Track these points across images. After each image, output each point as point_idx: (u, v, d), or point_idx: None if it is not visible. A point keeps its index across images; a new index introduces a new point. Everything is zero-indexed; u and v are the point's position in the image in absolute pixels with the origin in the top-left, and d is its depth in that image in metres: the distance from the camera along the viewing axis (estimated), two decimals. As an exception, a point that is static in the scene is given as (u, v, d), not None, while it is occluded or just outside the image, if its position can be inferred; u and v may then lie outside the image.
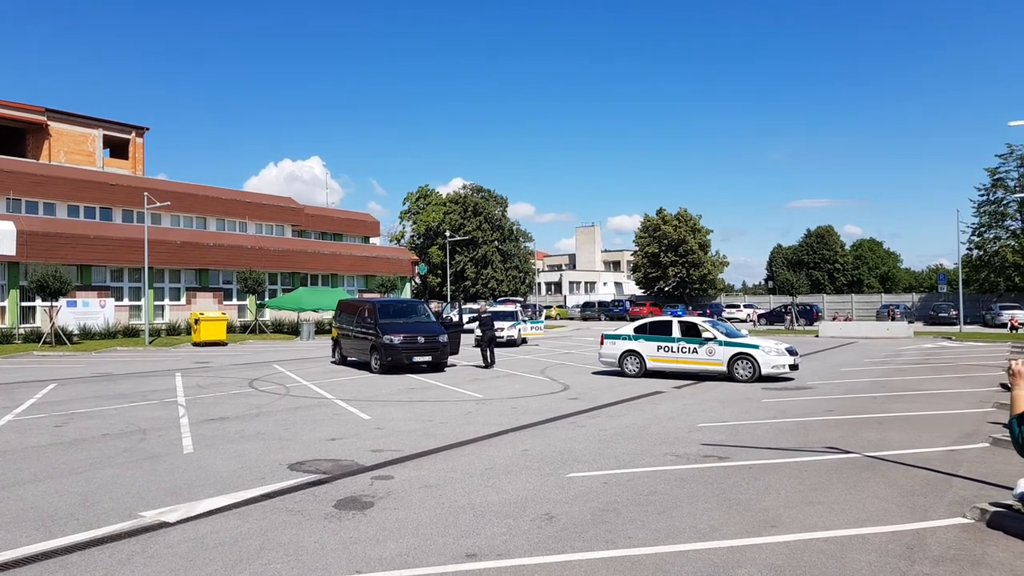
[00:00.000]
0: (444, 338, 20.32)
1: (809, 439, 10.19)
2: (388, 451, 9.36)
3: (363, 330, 20.68)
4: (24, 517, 6.51)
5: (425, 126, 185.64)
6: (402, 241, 73.05)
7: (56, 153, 41.84)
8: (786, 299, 57.62)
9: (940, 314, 51.14)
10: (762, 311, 57.83)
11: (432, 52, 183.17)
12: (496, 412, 12.78)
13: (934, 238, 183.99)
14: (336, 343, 22.86)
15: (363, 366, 20.74)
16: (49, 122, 41.78)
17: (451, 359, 21.75)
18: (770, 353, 17.14)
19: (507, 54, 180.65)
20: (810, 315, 53.54)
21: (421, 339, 19.72)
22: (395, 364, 19.29)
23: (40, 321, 32.38)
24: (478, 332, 21.98)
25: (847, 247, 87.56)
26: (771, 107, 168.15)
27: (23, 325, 32.18)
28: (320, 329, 37.00)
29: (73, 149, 42.65)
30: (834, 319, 49.54)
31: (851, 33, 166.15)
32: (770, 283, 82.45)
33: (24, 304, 32.70)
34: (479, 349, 21.85)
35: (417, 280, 65.57)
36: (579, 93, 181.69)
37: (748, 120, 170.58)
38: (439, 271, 67.29)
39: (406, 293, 52.86)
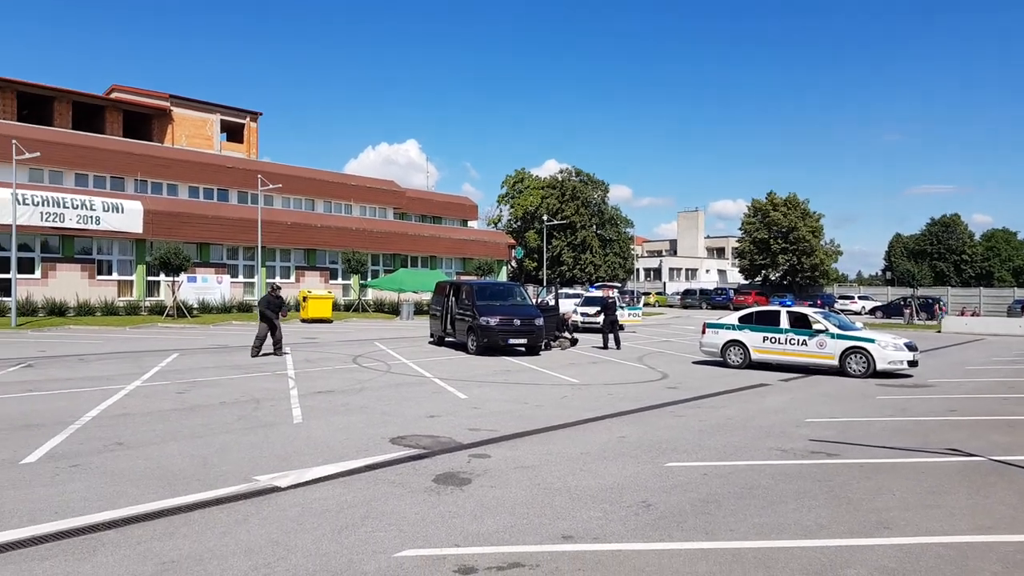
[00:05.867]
0: (540, 321, 20.38)
1: (928, 439, 9.58)
2: (484, 431, 9.49)
3: (460, 311, 21.03)
4: (152, 475, 7.00)
5: (519, 108, 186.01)
6: (499, 225, 73.58)
7: (178, 137, 44.53)
8: (905, 291, 54.01)
9: (1081, 311, 46.86)
10: (878, 303, 54.62)
11: (525, 35, 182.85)
12: (592, 397, 12.71)
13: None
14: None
15: (460, 347, 21.10)
16: (172, 108, 44.47)
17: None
18: (887, 347, 16.23)
19: (604, 33, 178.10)
20: (931, 309, 50.01)
21: (517, 322, 19.86)
22: (491, 345, 19.52)
23: (163, 295, 34.76)
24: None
25: (976, 237, 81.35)
26: (882, 86, 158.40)
27: (148, 298, 34.69)
28: (419, 310, 37.88)
29: (193, 133, 45.27)
30: (961, 314, 46.19)
31: (973, 7, 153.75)
32: (888, 274, 77.86)
33: (149, 279, 35.21)
34: (601, 333, 22.98)
35: (513, 264, 65.96)
36: (677, 74, 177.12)
37: (857, 100, 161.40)
38: (535, 255, 67.45)
39: (502, 276, 53.29)
